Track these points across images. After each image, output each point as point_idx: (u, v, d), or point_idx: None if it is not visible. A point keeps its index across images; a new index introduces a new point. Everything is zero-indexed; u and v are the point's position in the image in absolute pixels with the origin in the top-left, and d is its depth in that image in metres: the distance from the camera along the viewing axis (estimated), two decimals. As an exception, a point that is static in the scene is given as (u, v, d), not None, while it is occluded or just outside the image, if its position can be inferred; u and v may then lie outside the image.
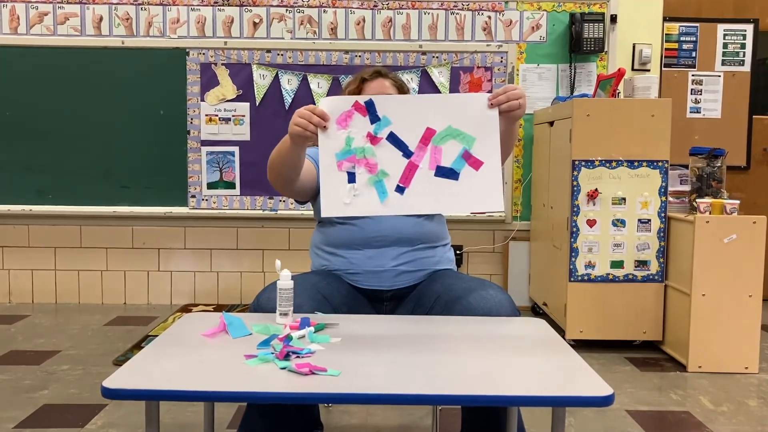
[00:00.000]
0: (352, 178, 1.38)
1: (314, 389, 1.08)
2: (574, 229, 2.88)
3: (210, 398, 1.10)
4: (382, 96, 1.44)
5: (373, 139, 1.41)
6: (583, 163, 2.85)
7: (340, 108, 1.43)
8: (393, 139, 1.41)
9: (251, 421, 1.65)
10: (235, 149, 3.54)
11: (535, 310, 3.57)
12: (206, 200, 3.56)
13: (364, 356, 1.25)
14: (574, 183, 2.86)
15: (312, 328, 1.41)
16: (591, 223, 2.87)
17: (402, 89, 1.87)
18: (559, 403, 1.10)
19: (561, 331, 2.97)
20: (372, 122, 1.42)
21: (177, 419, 2.18)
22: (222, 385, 1.10)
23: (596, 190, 2.85)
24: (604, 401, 1.06)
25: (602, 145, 2.85)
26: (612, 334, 2.92)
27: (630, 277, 2.88)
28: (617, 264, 2.88)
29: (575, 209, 2.88)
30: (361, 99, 1.43)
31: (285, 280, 1.49)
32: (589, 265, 2.88)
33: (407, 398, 1.06)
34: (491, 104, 1.44)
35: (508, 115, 1.47)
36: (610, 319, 2.91)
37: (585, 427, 2.19)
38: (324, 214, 1.40)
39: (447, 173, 1.37)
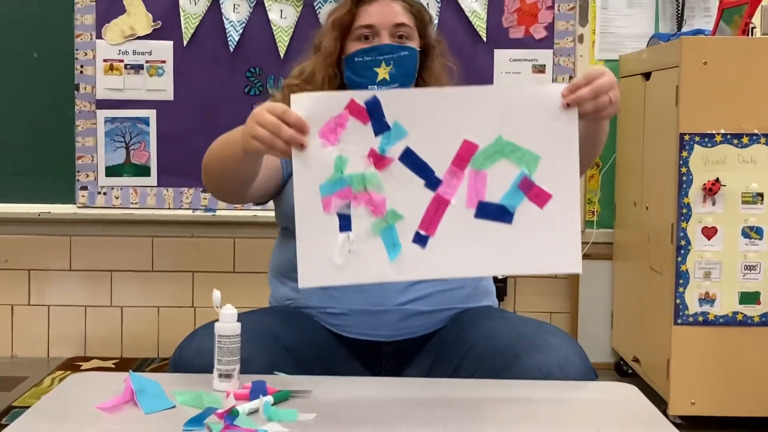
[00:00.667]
0: (346, 224, 1.38)
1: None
2: (683, 243, 2.88)
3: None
4: (391, 91, 1.45)
5: (378, 160, 1.40)
6: (697, 139, 2.86)
7: (326, 111, 1.41)
8: (410, 159, 1.40)
9: None
10: (150, 114, 3.55)
11: (621, 369, 3.57)
12: (104, 194, 3.56)
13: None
14: (683, 170, 2.86)
15: (270, 398, 1.40)
16: (709, 232, 2.87)
17: (422, 19, 1.90)
18: None
19: (661, 402, 2.97)
20: (377, 132, 1.41)
21: None
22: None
23: (717, 180, 2.85)
24: None
25: (727, 110, 2.85)
26: (741, 407, 2.92)
27: (770, 317, 2.88)
28: (750, 298, 2.87)
29: (685, 211, 2.87)
30: (359, 96, 1.42)
31: (227, 322, 1.49)
32: (707, 300, 2.88)
33: None
34: (567, 103, 1.44)
35: (592, 117, 1.48)
36: (739, 383, 2.90)
37: None
38: (302, 284, 1.40)
39: (495, 213, 1.38)
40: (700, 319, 2.89)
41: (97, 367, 3.53)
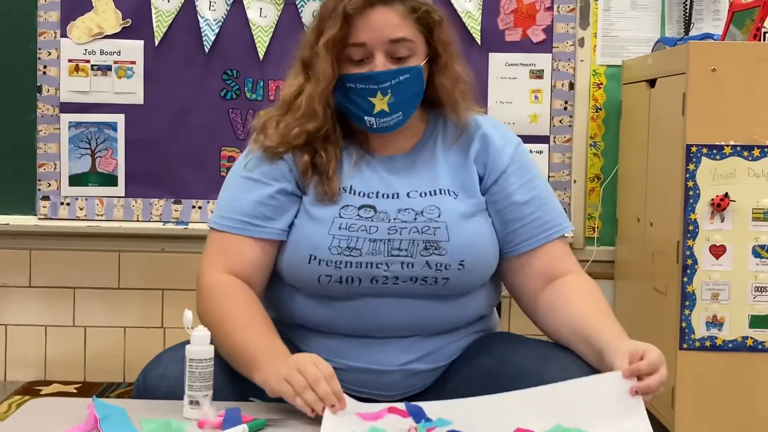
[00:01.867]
0: None
1: None
2: (690, 262, 2.88)
3: None
4: (437, 403, 1.52)
5: None
6: (704, 150, 2.87)
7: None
8: None
9: None
10: (119, 119, 3.54)
11: (623, 397, 3.57)
12: (67, 204, 3.55)
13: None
14: (690, 183, 2.87)
15: (245, 427, 1.40)
16: (718, 251, 2.87)
17: (427, 24, 1.80)
18: None
19: (668, 429, 2.97)
20: (417, 420, 1.49)
21: None
22: None
23: (726, 195, 2.86)
24: None
25: (737, 119, 2.86)
26: (752, 436, 2.92)
27: (782, 342, 2.89)
28: (761, 321, 2.88)
29: (691, 228, 2.88)
30: (399, 404, 1.52)
31: (199, 345, 1.49)
32: (715, 323, 2.88)
33: None
34: (635, 390, 1.52)
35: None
36: (749, 413, 2.91)
37: None
38: None
39: None
40: (708, 343, 2.89)
41: (58, 392, 3.51)
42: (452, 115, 1.82)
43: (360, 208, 1.74)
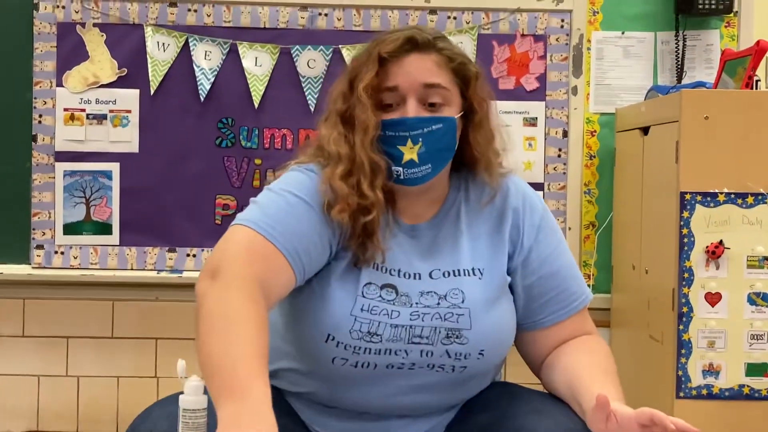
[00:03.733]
0: None
1: None
2: (686, 309, 2.88)
3: None
4: None
5: None
6: (698, 198, 2.87)
7: None
8: None
9: None
10: (113, 167, 3.54)
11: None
12: (62, 253, 3.54)
13: None
14: (685, 231, 2.87)
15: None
16: (713, 299, 2.87)
17: (464, 76, 1.74)
18: None
19: (663, 483, 2.95)
20: None
21: None
22: None
23: (721, 243, 2.86)
24: None
25: (731, 167, 2.87)
26: (749, 488, 2.90)
27: (779, 390, 2.88)
28: (757, 369, 2.87)
29: (686, 275, 2.88)
30: None
31: (193, 394, 1.47)
32: (711, 371, 2.87)
33: None
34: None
35: None
36: (747, 461, 2.89)
37: None
38: None
39: None
40: (704, 392, 2.88)
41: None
42: (485, 176, 1.75)
43: (382, 287, 1.65)
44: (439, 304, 1.65)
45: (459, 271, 1.69)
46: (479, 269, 1.70)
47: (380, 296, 1.64)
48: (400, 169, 1.66)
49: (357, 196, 1.62)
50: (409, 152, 1.65)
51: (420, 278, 1.67)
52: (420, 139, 1.64)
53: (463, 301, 1.66)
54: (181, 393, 1.48)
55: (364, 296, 1.63)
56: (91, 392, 3.66)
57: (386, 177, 1.66)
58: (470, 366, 1.66)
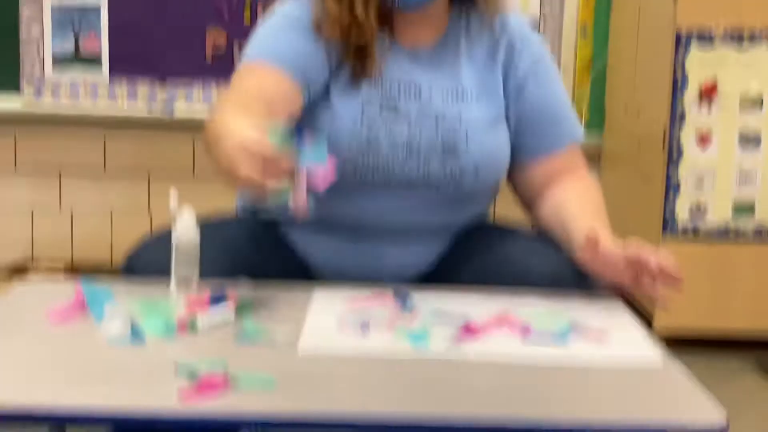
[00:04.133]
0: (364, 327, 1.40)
1: (231, 408, 1.09)
2: (676, 150, 2.89)
3: (59, 419, 1.11)
4: (424, 288, 1.51)
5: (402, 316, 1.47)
6: (695, 38, 2.85)
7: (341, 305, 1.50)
8: (439, 315, 1.46)
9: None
10: (101, 1, 3.49)
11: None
12: (52, 89, 3.53)
13: (326, 362, 1.27)
14: (679, 71, 2.86)
15: (231, 312, 1.41)
16: (704, 139, 2.88)
17: None
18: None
19: (647, 319, 3.02)
20: (403, 302, 1.51)
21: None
22: (78, 398, 1.11)
23: (715, 83, 2.85)
24: (712, 434, 1.09)
25: (728, 4, 2.84)
26: (730, 326, 2.97)
27: (765, 232, 2.91)
28: (744, 210, 2.90)
29: (679, 116, 2.88)
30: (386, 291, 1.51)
31: (186, 226, 1.49)
32: (698, 211, 2.91)
33: (392, 423, 1.08)
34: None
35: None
36: (729, 300, 2.95)
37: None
38: (301, 352, 1.35)
39: (544, 339, 1.38)
40: (691, 231, 2.92)
41: (45, 274, 3.55)
42: (483, 6, 1.77)
43: (382, 104, 1.70)
44: (437, 122, 1.69)
45: (457, 92, 1.73)
46: (476, 92, 1.73)
47: (380, 113, 1.68)
48: None
49: (349, 15, 1.65)
50: None
51: (419, 97, 1.71)
52: None
53: (460, 120, 1.70)
54: (174, 228, 1.50)
55: (363, 112, 1.67)
56: (85, 225, 3.70)
57: (380, 1, 1.67)
58: (465, 184, 1.70)
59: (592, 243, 1.54)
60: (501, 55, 1.77)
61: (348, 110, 1.68)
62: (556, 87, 1.83)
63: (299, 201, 1.33)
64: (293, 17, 1.70)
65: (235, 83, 1.64)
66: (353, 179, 1.69)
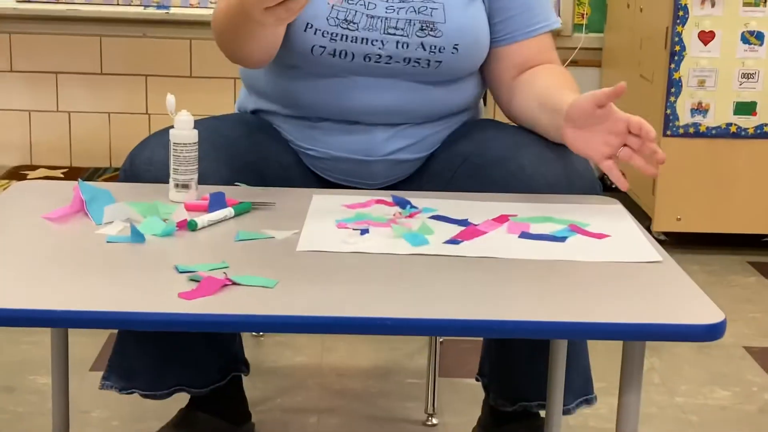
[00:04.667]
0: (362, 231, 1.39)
1: (234, 309, 1.10)
2: (678, 48, 2.87)
3: (60, 322, 1.12)
4: (423, 194, 1.52)
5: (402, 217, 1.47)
6: (699, -67, 2.81)
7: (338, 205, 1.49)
8: (439, 218, 1.45)
9: (128, 359, 1.69)
10: None
11: (605, 183, 3.61)
12: (46, -13, 3.48)
13: (318, 259, 1.27)
14: (682, -33, 2.83)
15: (231, 210, 1.41)
16: (706, 37, 2.85)
17: None
18: (633, 335, 1.13)
19: (646, 218, 3.03)
20: (402, 207, 1.49)
21: (5, 356, 2.24)
22: (78, 303, 1.10)
23: (719, -21, 2.82)
24: (710, 332, 1.08)
25: None
26: (729, 224, 2.99)
27: (766, 130, 2.90)
28: (746, 108, 2.89)
29: (681, 14, 2.85)
30: (386, 196, 1.51)
31: (183, 129, 1.48)
32: (699, 110, 2.90)
33: (388, 325, 1.09)
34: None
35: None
36: (729, 199, 2.96)
37: (677, 373, 2.28)
38: (300, 248, 1.34)
39: (543, 238, 1.37)
40: (691, 130, 2.91)
41: (44, 176, 3.55)
42: None
43: None
44: None
45: None
46: None
47: None
48: None
49: None
50: None
51: None
52: None
53: None
54: (172, 128, 1.49)
55: None
56: (83, 127, 3.69)
57: None
58: (445, 61, 1.70)
59: (612, 93, 1.54)
60: None
61: None
62: None
63: None
64: None
65: None
66: (334, 60, 1.68)
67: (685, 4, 2.83)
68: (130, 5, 3.48)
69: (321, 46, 1.67)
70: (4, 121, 3.68)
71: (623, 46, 3.39)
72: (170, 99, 1.49)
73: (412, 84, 1.72)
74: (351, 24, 1.67)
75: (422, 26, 1.68)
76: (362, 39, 1.68)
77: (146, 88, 3.66)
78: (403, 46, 1.69)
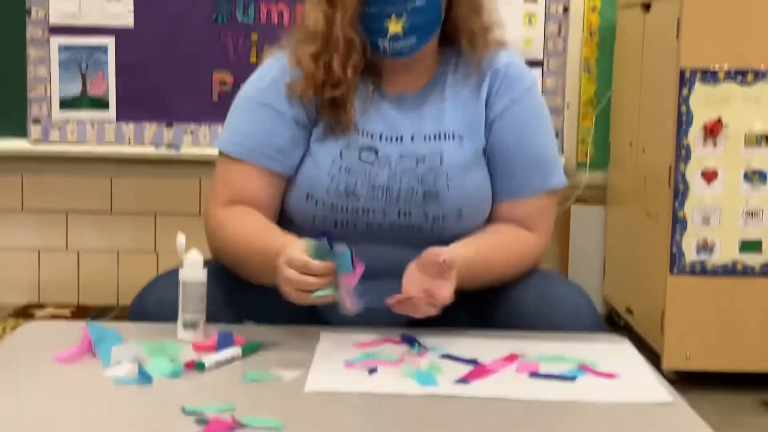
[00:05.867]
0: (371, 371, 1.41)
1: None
2: (682, 187, 2.89)
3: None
4: (432, 333, 1.53)
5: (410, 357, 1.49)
6: (698, 75, 2.86)
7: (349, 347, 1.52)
8: (448, 357, 1.47)
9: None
10: (109, 42, 3.51)
11: (613, 321, 3.60)
12: (59, 129, 3.53)
13: (326, 400, 1.26)
14: (684, 108, 2.86)
15: (238, 350, 1.41)
16: (710, 176, 2.88)
17: None
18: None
19: (655, 356, 3.01)
20: (410, 345, 1.52)
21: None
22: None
23: (719, 120, 2.85)
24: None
25: (731, 43, 2.85)
26: (739, 362, 2.96)
27: (772, 268, 2.91)
28: (751, 246, 2.90)
29: (684, 153, 2.88)
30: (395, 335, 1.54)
31: (193, 268, 1.49)
32: (705, 248, 2.90)
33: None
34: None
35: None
36: (738, 337, 2.94)
37: None
38: (308, 388, 1.36)
39: (553, 378, 1.39)
40: (698, 268, 2.91)
41: (52, 315, 3.53)
42: (468, 49, 1.77)
43: (362, 150, 1.70)
44: (417, 166, 1.70)
45: (439, 135, 1.73)
46: (459, 134, 1.73)
47: (360, 158, 1.70)
48: (386, 42, 1.69)
49: (324, 73, 1.68)
50: (394, 26, 1.67)
51: (401, 141, 1.72)
52: (403, 13, 1.66)
53: (441, 164, 1.70)
54: (181, 268, 1.50)
55: (342, 157, 1.69)
56: (92, 266, 3.69)
57: (362, 56, 1.70)
58: (449, 227, 1.70)
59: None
60: (484, 93, 1.77)
61: (326, 156, 1.69)
62: (531, 131, 1.79)
63: (347, 303, 1.45)
64: (264, 89, 1.75)
65: (221, 176, 1.79)
66: (336, 229, 1.68)
67: (687, 144, 2.87)
68: (141, 145, 3.54)
69: (322, 216, 1.69)
70: (13, 260, 3.69)
71: (627, 185, 3.42)
72: (180, 239, 1.51)
73: (415, 246, 1.71)
74: (352, 195, 1.68)
75: (425, 195, 1.68)
76: (364, 210, 1.68)
77: (155, 226, 3.68)
78: (405, 215, 1.69)
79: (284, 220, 1.78)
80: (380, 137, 1.72)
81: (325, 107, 1.71)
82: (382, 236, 1.70)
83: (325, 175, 1.68)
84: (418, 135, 1.73)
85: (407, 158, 1.71)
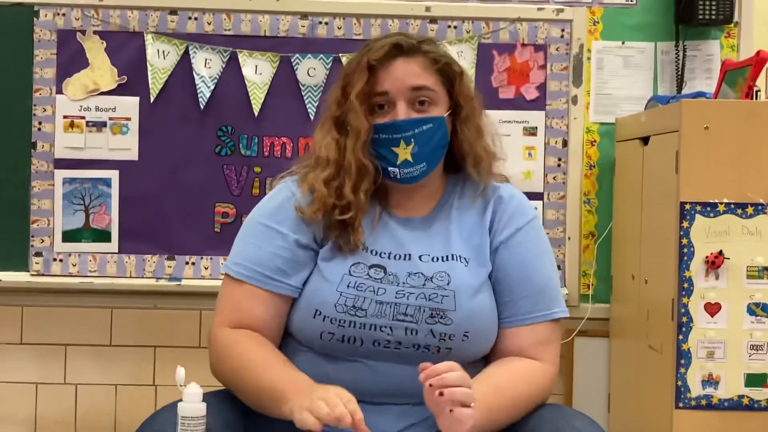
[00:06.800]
0: None
1: None
2: (685, 320, 2.88)
3: None
4: None
5: None
6: (698, 208, 2.87)
7: None
8: None
9: None
10: (113, 175, 3.55)
11: (619, 456, 3.54)
12: (60, 261, 3.55)
13: None
14: (684, 241, 2.87)
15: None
16: (713, 309, 2.87)
17: (449, 76, 1.83)
18: None
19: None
20: None
21: None
22: None
23: (721, 253, 2.86)
24: None
25: (730, 177, 2.87)
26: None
27: (779, 401, 2.88)
28: (757, 380, 2.87)
29: (686, 286, 2.88)
30: None
31: (192, 402, 1.48)
32: (711, 382, 2.88)
33: None
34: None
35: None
36: (746, 472, 2.89)
37: None
38: None
39: None
40: (704, 402, 2.88)
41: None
42: (473, 171, 1.82)
43: (371, 267, 1.73)
44: (425, 284, 1.72)
45: (447, 256, 1.76)
46: (465, 258, 1.76)
47: (368, 275, 1.72)
48: (397, 169, 1.75)
49: (335, 198, 1.72)
50: (404, 153, 1.73)
51: (409, 259, 1.75)
52: (412, 140, 1.73)
53: (448, 284, 1.72)
54: (180, 402, 1.49)
55: (351, 274, 1.72)
56: (90, 400, 3.65)
57: (373, 180, 1.74)
58: (455, 348, 1.71)
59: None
60: (488, 219, 1.80)
61: (335, 274, 1.73)
62: (535, 262, 1.82)
63: None
64: (270, 213, 1.81)
65: (226, 297, 1.83)
66: (343, 345, 1.70)
67: (689, 276, 2.87)
68: (142, 277, 3.54)
69: (330, 333, 1.71)
70: (9, 394, 3.65)
71: (630, 317, 3.41)
72: (180, 372, 1.50)
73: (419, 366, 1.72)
74: (359, 311, 1.70)
75: (432, 313, 1.70)
76: (371, 325, 1.70)
77: (154, 358, 3.65)
78: (412, 333, 1.70)
79: (287, 336, 1.78)
80: (389, 255, 1.75)
81: (334, 228, 1.75)
82: (388, 354, 1.70)
83: (334, 291, 1.70)
84: (426, 255, 1.76)
85: (415, 276, 1.73)
